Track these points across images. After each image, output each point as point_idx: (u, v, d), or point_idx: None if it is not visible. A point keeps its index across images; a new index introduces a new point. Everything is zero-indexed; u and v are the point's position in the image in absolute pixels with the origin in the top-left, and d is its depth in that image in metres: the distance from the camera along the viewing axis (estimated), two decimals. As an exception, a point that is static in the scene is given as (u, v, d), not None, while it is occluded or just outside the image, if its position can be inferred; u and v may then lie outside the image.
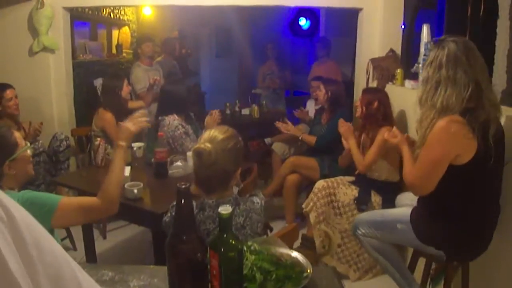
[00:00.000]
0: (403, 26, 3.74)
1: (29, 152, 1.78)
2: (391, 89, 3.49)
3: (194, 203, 1.67)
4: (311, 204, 3.14)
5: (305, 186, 3.94)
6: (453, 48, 1.89)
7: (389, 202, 2.85)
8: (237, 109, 5.56)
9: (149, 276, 1.38)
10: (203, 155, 1.64)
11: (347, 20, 4.79)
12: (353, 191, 3.12)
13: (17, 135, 1.73)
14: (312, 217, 3.13)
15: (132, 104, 4.35)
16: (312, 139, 3.91)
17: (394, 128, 2.46)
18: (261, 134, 5.13)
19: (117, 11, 5.88)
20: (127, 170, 2.65)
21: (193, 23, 7.07)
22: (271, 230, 2.67)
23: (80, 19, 5.01)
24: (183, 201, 1.15)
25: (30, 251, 0.64)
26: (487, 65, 1.96)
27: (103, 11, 5.49)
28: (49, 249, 0.69)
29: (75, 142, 4.03)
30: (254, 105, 5.50)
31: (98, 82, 4.64)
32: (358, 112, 3.22)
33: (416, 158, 2.04)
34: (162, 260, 1.23)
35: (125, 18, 6.22)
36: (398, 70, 3.48)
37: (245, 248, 1.28)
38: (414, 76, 3.18)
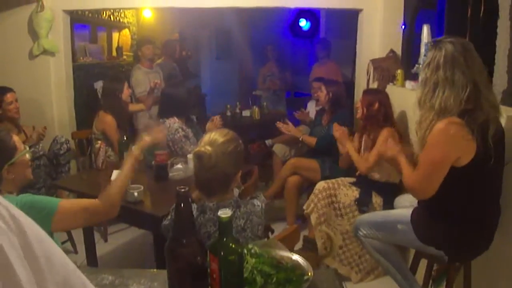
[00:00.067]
0: (403, 27, 3.74)
1: (27, 156, 1.77)
2: (391, 89, 3.48)
3: (195, 206, 1.67)
4: (312, 205, 3.13)
5: (306, 187, 3.93)
6: (450, 49, 1.88)
7: (390, 204, 2.85)
8: (237, 111, 5.57)
9: (149, 280, 1.37)
10: (204, 158, 1.64)
11: (347, 21, 4.78)
12: (354, 192, 3.11)
13: (16, 139, 1.72)
14: (313, 218, 3.12)
15: (132, 107, 4.35)
16: (312, 141, 3.91)
17: (390, 140, 2.44)
18: (262, 136, 5.12)
19: (117, 13, 5.88)
20: (116, 174, 2.61)
21: (193, 25, 7.07)
22: (272, 232, 2.66)
23: (80, 22, 5.01)
24: (182, 205, 1.14)
25: (41, 265, 0.63)
26: (487, 65, 1.96)
27: (103, 13, 5.48)
28: (60, 262, 0.69)
29: (76, 145, 4.02)
30: (254, 106, 5.50)
31: (99, 85, 4.64)
32: (358, 113, 3.22)
33: (415, 162, 2.03)
34: (163, 263, 1.22)
35: (125, 20, 6.22)
36: (399, 71, 3.47)
37: (245, 251, 1.27)
38: (414, 77, 3.17)
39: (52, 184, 3.45)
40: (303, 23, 6.98)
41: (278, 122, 4.16)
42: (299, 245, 3.36)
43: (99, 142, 3.28)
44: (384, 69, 3.69)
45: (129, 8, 5.72)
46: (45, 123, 3.74)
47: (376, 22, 4.01)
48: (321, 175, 3.69)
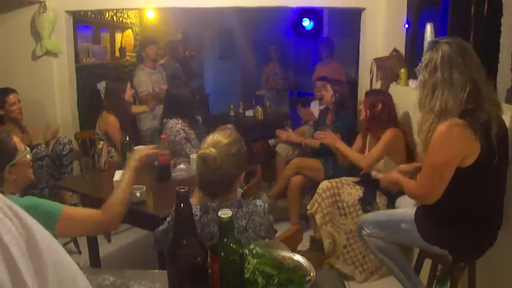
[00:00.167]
0: (406, 25, 3.71)
1: (28, 156, 1.77)
2: (395, 88, 3.47)
3: (198, 207, 1.66)
4: (316, 205, 3.12)
5: (310, 187, 3.92)
6: (447, 50, 1.87)
7: (394, 203, 2.83)
8: (241, 110, 5.56)
9: (150, 281, 1.37)
10: (208, 160, 1.63)
11: (351, 20, 4.77)
12: (358, 191, 3.10)
13: (16, 139, 1.72)
14: (318, 218, 3.10)
15: (136, 109, 4.35)
16: (315, 143, 3.87)
17: (397, 175, 2.25)
18: (265, 136, 5.12)
19: (120, 14, 5.89)
20: (118, 175, 2.61)
21: (196, 26, 7.07)
22: (275, 232, 2.65)
23: (83, 23, 5.02)
24: (182, 205, 1.13)
25: (49, 274, 0.63)
26: (491, 64, 1.94)
27: (106, 14, 5.49)
28: (68, 262, 0.68)
29: (79, 145, 4.02)
30: (258, 106, 5.49)
31: (102, 86, 4.63)
32: (362, 115, 3.20)
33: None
34: (165, 264, 1.22)
35: (128, 21, 6.23)
36: (402, 70, 3.45)
37: (247, 251, 1.27)
38: (418, 76, 3.15)
39: (55, 185, 3.46)
40: (306, 22, 6.96)
41: (277, 130, 4.17)
42: (306, 245, 3.35)
43: (102, 142, 3.28)
44: (387, 68, 3.67)
45: (132, 9, 5.72)
46: (48, 123, 3.75)
47: (379, 21, 4.00)
48: (325, 174, 3.67)
